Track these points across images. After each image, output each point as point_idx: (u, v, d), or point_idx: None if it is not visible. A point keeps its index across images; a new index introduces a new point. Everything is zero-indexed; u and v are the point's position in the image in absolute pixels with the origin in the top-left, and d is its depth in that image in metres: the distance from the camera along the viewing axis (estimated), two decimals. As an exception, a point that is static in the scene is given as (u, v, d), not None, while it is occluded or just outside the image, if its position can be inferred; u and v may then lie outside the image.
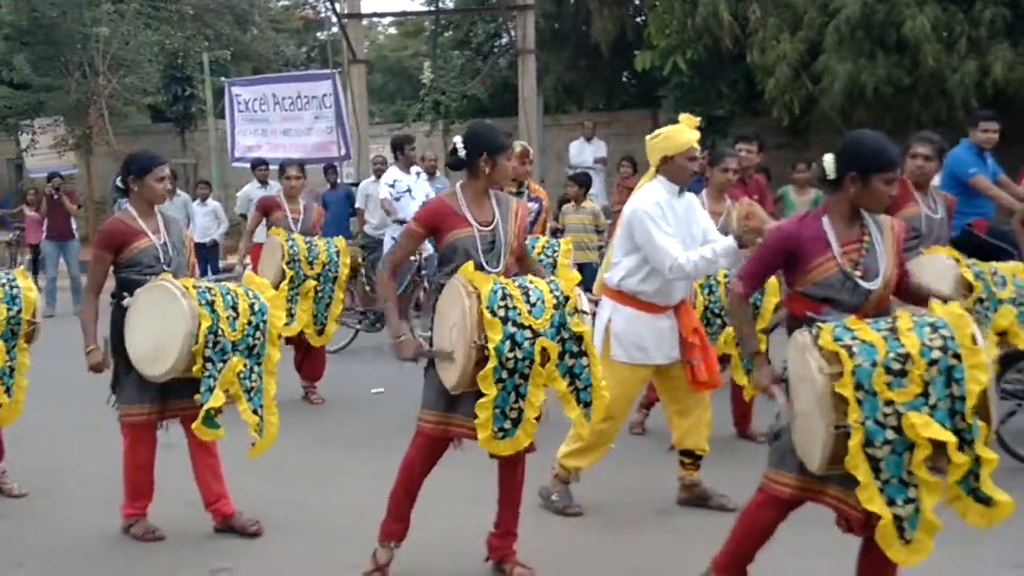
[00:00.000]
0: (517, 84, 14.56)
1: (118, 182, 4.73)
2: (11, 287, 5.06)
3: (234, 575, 4.23)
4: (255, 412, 4.36)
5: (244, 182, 12.71)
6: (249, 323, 4.38)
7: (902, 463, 2.96)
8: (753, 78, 13.26)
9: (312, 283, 7.05)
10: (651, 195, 4.56)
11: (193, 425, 4.34)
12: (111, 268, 4.60)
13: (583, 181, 9.64)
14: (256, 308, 4.43)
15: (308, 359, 7.40)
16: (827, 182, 3.42)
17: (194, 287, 4.36)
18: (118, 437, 4.62)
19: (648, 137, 4.76)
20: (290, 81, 15.37)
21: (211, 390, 4.26)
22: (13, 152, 20.87)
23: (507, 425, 3.70)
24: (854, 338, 3.04)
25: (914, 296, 3.55)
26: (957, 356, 2.96)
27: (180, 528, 4.71)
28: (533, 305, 3.68)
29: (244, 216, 10.65)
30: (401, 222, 8.43)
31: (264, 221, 7.66)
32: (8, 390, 5.02)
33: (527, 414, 3.70)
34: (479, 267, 3.86)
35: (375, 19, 25.89)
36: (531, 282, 3.79)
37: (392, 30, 33.95)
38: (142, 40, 17.98)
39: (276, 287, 6.81)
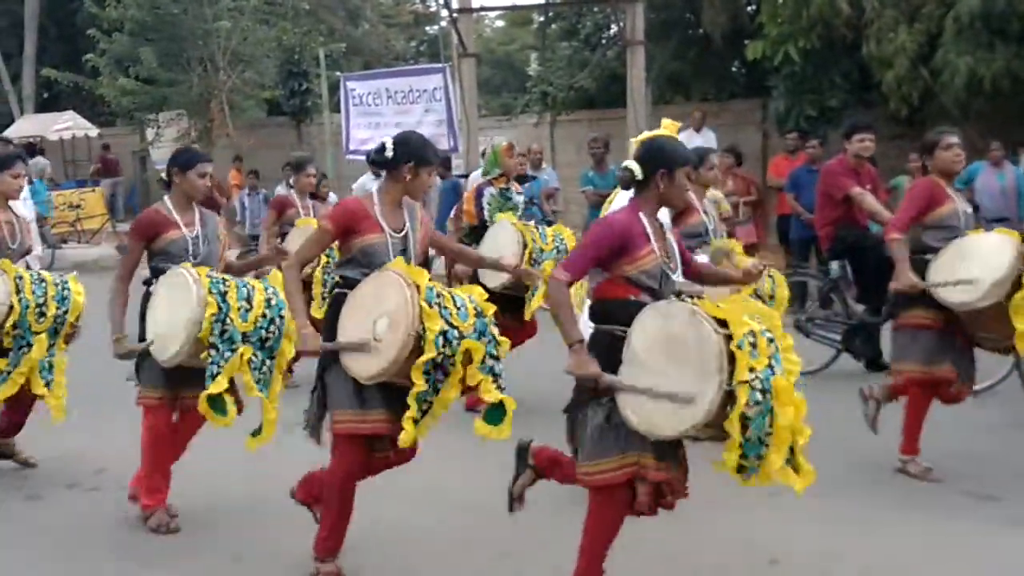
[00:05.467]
0: (625, 75, 14.59)
1: (163, 175, 4.95)
2: (63, 288, 5.36)
3: (359, 547, 4.42)
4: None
5: (358, 174, 13.09)
6: (263, 316, 4.48)
7: (764, 424, 3.22)
8: (867, 68, 13.04)
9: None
10: None
11: (200, 408, 4.44)
12: (146, 257, 4.80)
13: None
14: (273, 303, 4.53)
15: None
16: (636, 183, 3.69)
17: (208, 276, 4.49)
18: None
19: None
20: (402, 75, 15.67)
21: (214, 377, 4.38)
22: (138, 145, 21.75)
23: (417, 416, 3.84)
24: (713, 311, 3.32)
25: (708, 279, 4.09)
26: (771, 340, 3.29)
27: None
28: (458, 308, 3.85)
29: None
30: None
31: (277, 220, 7.93)
32: (48, 384, 5.34)
33: (435, 410, 3.88)
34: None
35: (482, 12, 26.17)
36: (451, 291, 3.96)
37: (499, 23, 34.25)
38: (260, 36, 18.55)
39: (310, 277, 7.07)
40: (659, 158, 3.68)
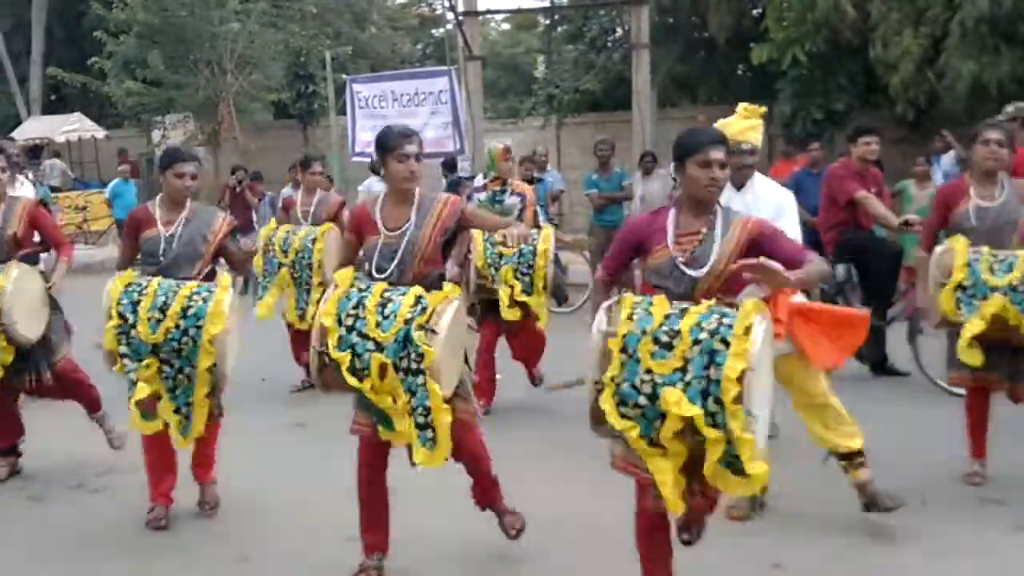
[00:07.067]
0: (630, 78, 14.59)
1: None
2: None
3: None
4: (177, 410, 4.55)
5: (364, 176, 13.11)
6: (177, 327, 4.43)
7: (651, 428, 3.13)
8: (873, 71, 13.04)
9: (285, 271, 7.29)
10: None
11: (128, 421, 4.60)
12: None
13: None
14: (191, 312, 4.45)
15: (296, 344, 7.48)
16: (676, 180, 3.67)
17: (129, 284, 4.53)
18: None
19: (720, 123, 4.79)
20: (408, 78, 15.65)
21: (134, 384, 4.49)
22: (145, 147, 21.80)
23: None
24: (645, 309, 3.22)
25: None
26: (725, 342, 3.06)
27: (313, 500, 5.03)
28: (385, 318, 3.72)
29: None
30: None
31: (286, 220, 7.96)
32: None
33: (397, 421, 3.76)
34: (378, 271, 3.97)
35: (488, 15, 26.19)
36: (402, 295, 3.79)
37: (505, 26, 34.26)
38: (267, 39, 18.58)
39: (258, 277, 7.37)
40: (674, 153, 3.55)
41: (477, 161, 14.40)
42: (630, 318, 3.21)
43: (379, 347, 3.69)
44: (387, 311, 3.73)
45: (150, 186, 22.92)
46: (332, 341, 3.73)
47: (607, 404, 3.16)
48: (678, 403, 3.05)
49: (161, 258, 4.73)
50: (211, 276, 4.83)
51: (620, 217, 10.55)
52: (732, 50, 16.54)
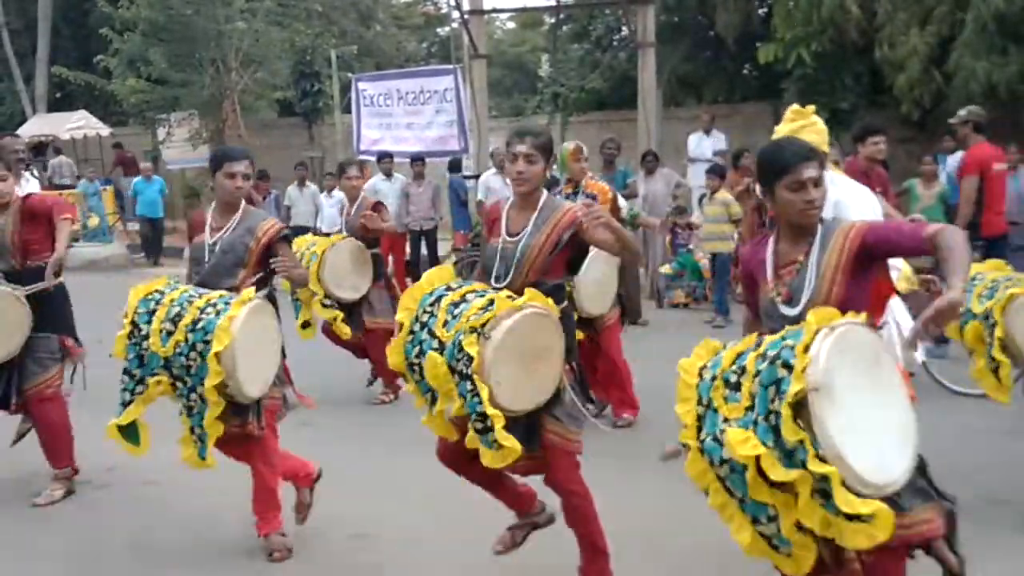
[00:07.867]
0: (636, 77, 14.57)
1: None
2: None
3: (375, 541, 4.48)
4: (192, 431, 4.21)
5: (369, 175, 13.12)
6: (185, 340, 4.07)
7: (743, 484, 2.71)
8: (879, 71, 13.02)
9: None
10: None
11: (110, 435, 4.30)
12: None
13: (720, 172, 10.24)
14: (199, 326, 4.07)
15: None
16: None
17: (148, 292, 4.25)
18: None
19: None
20: (414, 76, 15.69)
21: (124, 405, 4.24)
22: (150, 145, 21.81)
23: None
24: (727, 351, 2.91)
25: None
26: (788, 366, 2.64)
27: (323, 499, 5.00)
28: (454, 317, 3.52)
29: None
30: None
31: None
32: None
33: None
34: (491, 278, 3.80)
35: (493, 14, 26.22)
36: (477, 296, 3.58)
37: (510, 24, 34.29)
38: (272, 37, 18.58)
39: None
40: (759, 175, 3.13)
41: (481, 160, 14.41)
42: (703, 367, 2.90)
43: (442, 347, 3.50)
44: (457, 311, 3.53)
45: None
46: (400, 337, 3.59)
47: (693, 469, 2.84)
48: (742, 443, 2.64)
49: (205, 266, 4.47)
50: (262, 284, 4.48)
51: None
52: (739, 49, 16.51)
